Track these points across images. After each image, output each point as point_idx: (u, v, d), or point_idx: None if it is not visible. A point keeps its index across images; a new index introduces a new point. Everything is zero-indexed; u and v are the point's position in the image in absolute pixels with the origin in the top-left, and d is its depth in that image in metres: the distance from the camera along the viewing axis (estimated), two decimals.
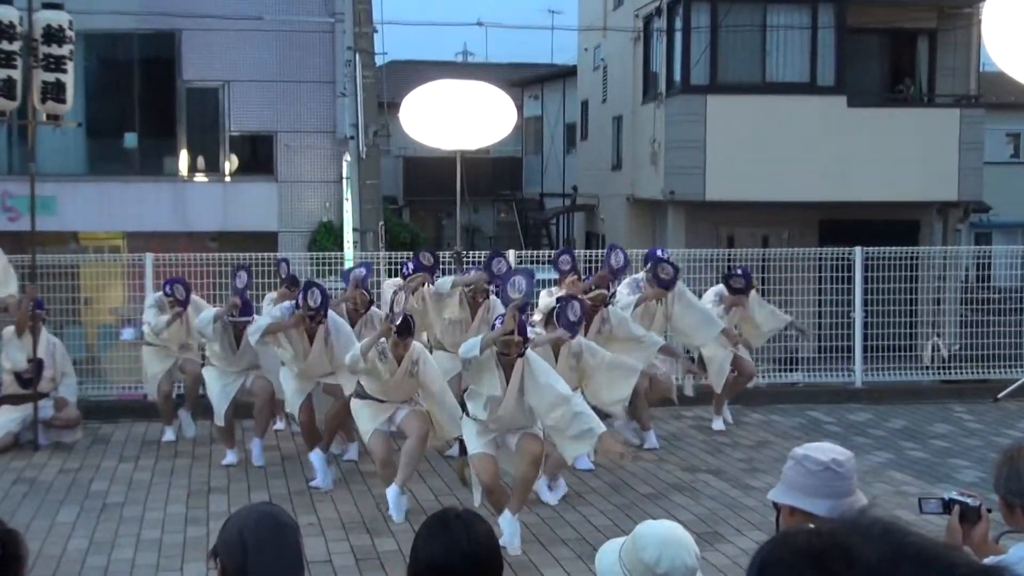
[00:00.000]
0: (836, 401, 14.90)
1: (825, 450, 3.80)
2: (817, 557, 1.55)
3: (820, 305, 15.92)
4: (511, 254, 14.82)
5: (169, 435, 12.57)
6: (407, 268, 12.07)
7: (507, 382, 8.61)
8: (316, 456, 10.69)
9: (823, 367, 15.54)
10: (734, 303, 12.87)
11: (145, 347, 12.78)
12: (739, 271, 13.31)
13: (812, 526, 1.71)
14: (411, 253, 12.84)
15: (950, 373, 15.73)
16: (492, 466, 8.77)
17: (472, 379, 8.80)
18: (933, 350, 16.12)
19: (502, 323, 8.62)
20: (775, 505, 3.83)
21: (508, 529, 8.61)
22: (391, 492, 9.53)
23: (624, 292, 12.16)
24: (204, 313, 11.53)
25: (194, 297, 12.46)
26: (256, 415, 11.56)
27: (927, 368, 15.88)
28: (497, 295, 10.81)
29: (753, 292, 13.23)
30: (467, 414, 8.93)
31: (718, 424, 13.17)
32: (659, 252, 12.78)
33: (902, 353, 15.72)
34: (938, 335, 16.32)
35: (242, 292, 11.38)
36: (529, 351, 8.70)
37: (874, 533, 1.55)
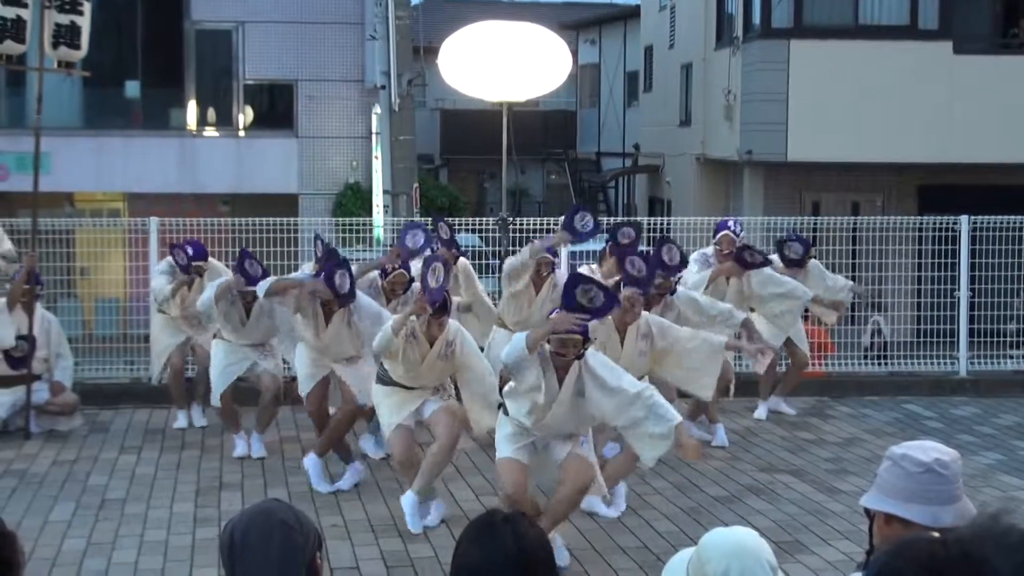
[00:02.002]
0: (937, 393, 14.82)
1: (927, 449, 3.78)
2: (940, 570, 1.52)
3: (919, 283, 15.81)
4: None
5: (181, 421, 12.68)
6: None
7: (559, 385, 8.19)
8: (311, 462, 10.58)
9: (922, 354, 15.43)
10: (731, 272, 12.48)
11: (155, 316, 12.91)
12: (795, 238, 13.21)
13: (936, 534, 1.69)
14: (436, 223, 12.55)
15: None
16: (521, 476, 8.41)
17: (515, 377, 8.31)
18: None
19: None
20: (868, 512, 3.81)
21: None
22: (406, 500, 9.39)
23: (693, 270, 12.17)
24: (205, 293, 11.51)
25: (213, 262, 12.52)
26: (260, 411, 11.59)
27: None
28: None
29: (813, 262, 13.25)
30: (504, 412, 8.56)
31: (760, 412, 13.22)
32: (731, 223, 12.71)
33: (1014, 339, 15.59)
34: None
35: (250, 277, 11.36)
36: (590, 351, 8.32)
37: (1010, 542, 1.50)
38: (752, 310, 12.49)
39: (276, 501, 3.53)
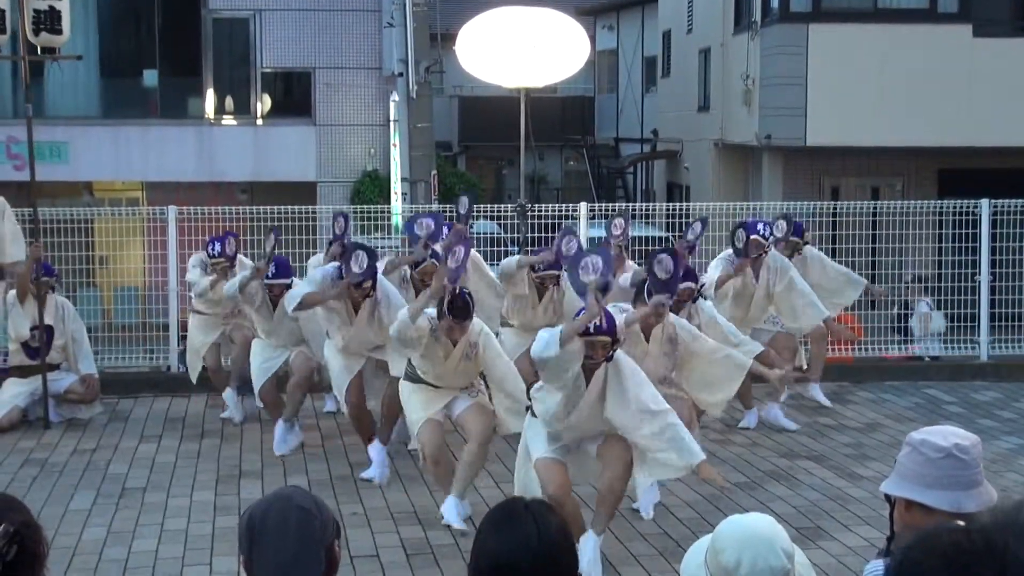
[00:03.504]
0: (958, 378, 14.77)
1: (946, 434, 3.77)
2: (964, 561, 1.51)
3: (940, 267, 15.75)
4: (582, 207, 14.81)
5: (229, 411, 12.55)
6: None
7: (586, 385, 8.01)
8: (375, 450, 10.53)
9: (943, 338, 15.39)
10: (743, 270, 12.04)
11: (192, 315, 12.91)
12: (783, 216, 12.79)
13: (961, 523, 1.67)
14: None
15: None
16: (562, 475, 8.18)
17: (550, 378, 8.09)
18: None
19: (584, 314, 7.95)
20: (888, 498, 3.81)
21: (590, 553, 8.10)
22: (448, 504, 9.19)
23: (712, 276, 11.82)
24: (229, 283, 11.53)
25: (240, 257, 12.54)
26: (289, 393, 11.48)
27: None
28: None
29: (812, 249, 13.01)
30: (532, 413, 8.39)
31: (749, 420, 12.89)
32: (760, 226, 12.00)
33: None
34: None
35: (273, 256, 11.39)
36: (618, 353, 8.10)
37: None
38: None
39: (295, 488, 3.54)
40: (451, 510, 9.16)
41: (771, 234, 12.01)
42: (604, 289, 8.20)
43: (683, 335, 9.50)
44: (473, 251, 12.35)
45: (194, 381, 13.09)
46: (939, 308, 15.67)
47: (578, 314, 8.08)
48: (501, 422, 9.47)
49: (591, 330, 7.82)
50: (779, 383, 10.63)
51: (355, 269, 10.10)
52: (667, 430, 7.92)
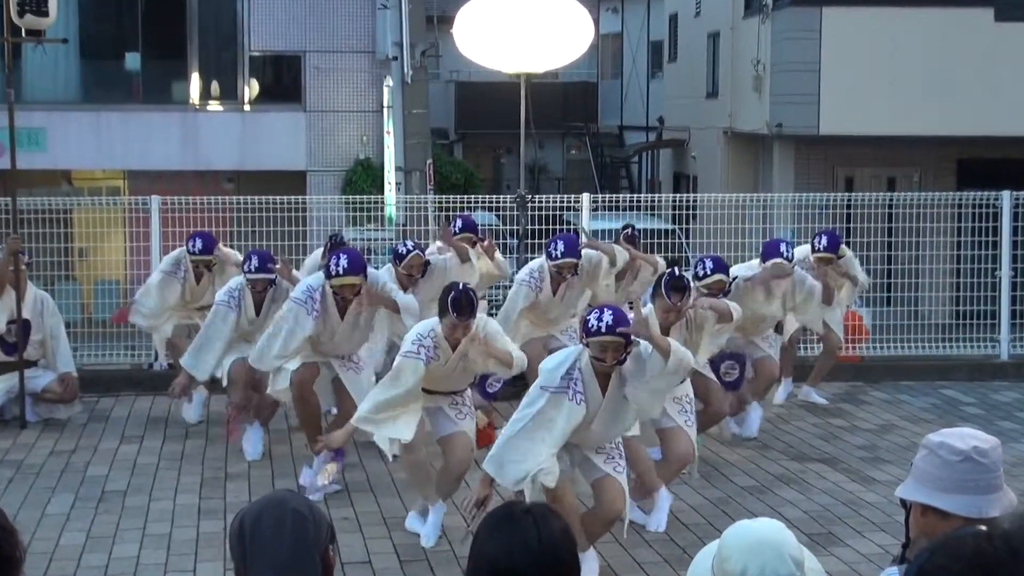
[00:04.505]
0: (977, 377, 14.79)
1: (965, 436, 3.78)
2: (987, 567, 1.51)
3: (959, 261, 15.76)
4: (584, 198, 14.82)
5: (192, 414, 12.52)
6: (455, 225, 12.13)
7: (603, 394, 7.86)
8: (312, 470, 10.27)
9: (961, 336, 15.40)
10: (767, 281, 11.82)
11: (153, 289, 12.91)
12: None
13: (983, 528, 1.67)
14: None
15: None
16: (564, 483, 8.02)
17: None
18: None
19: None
20: (903, 503, 3.82)
21: (585, 566, 8.05)
22: (410, 521, 9.17)
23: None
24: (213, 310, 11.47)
25: (222, 250, 12.49)
26: (260, 406, 11.41)
27: None
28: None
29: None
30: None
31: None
32: (783, 247, 11.78)
33: None
34: None
35: (255, 254, 11.31)
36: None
37: None
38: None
39: (287, 491, 3.56)
40: (417, 527, 9.10)
41: (792, 253, 11.82)
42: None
43: (704, 314, 9.80)
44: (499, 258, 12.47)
45: (162, 365, 13.16)
46: (943, 304, 15.69)
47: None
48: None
49: (603, 330, 7.66)
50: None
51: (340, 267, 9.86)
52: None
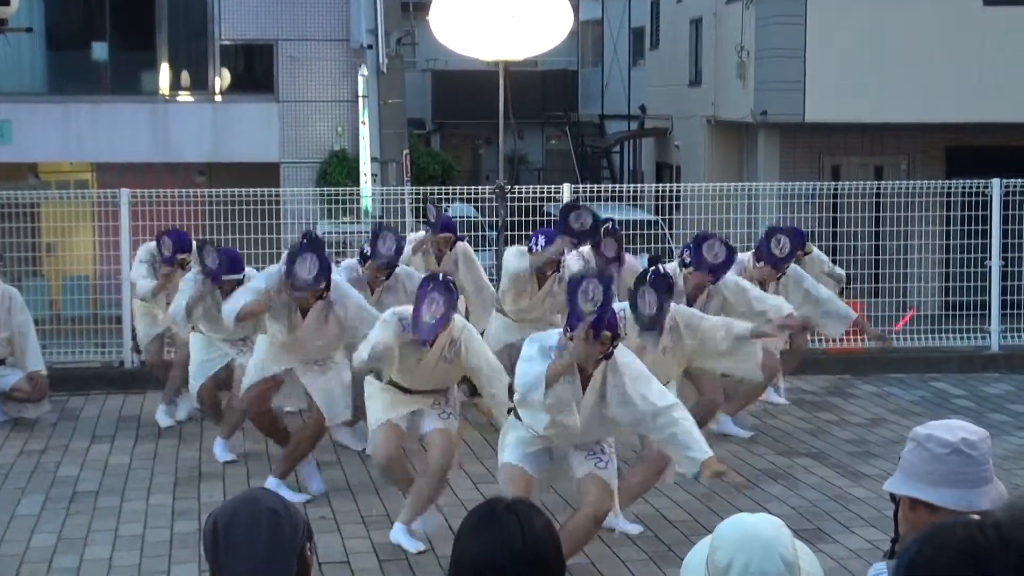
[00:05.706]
0: (967, 369, 14.85)
1: (953, 429, 3.80)
2: (977, 556, 1.52)
3: (948, 251, 15.81)
4: (565, 189, 14.84)
5: (165, 419, 12.43)
6: (537, 240, 11.58)
7: (583, 390, 7.78)
8: (273, 484, 9.96)
9: (951, 327, 15.46)
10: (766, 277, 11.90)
11: (136, 304, 12.89)
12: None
13: (975, 517, 1.68)
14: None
15: None
16: (524, 486, 7.89)
17: (535, 411, 7.81)
18: None
19: (574, 330, 7.53)
20: (893, 497, 3.84)
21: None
22: (396, 533, 8.98)
23: None
24: (174, 304, 11.29)
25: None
26: (227, 410, 11.38)
27: None
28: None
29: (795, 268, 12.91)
30: (516, 415, 8.06)
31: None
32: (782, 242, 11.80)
33: None
34: None
35: (221, 253, 11.22)
36: (619, 349, 7.85)
37: None
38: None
39: (261, 489, 3.55)
40: (403, 539, 8.95)
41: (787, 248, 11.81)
42: (598, 324, 7.60)
43: (683, 325, 9.40)
44: (470, 251, 12.37)
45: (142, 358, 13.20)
46: (933, 295, 15.76)
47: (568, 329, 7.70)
48: (492, 415, 9.40)
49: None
50: (778, 333, 10.72)
51: (303, 275, 9.50)
52: (671, 425, 7.67)
